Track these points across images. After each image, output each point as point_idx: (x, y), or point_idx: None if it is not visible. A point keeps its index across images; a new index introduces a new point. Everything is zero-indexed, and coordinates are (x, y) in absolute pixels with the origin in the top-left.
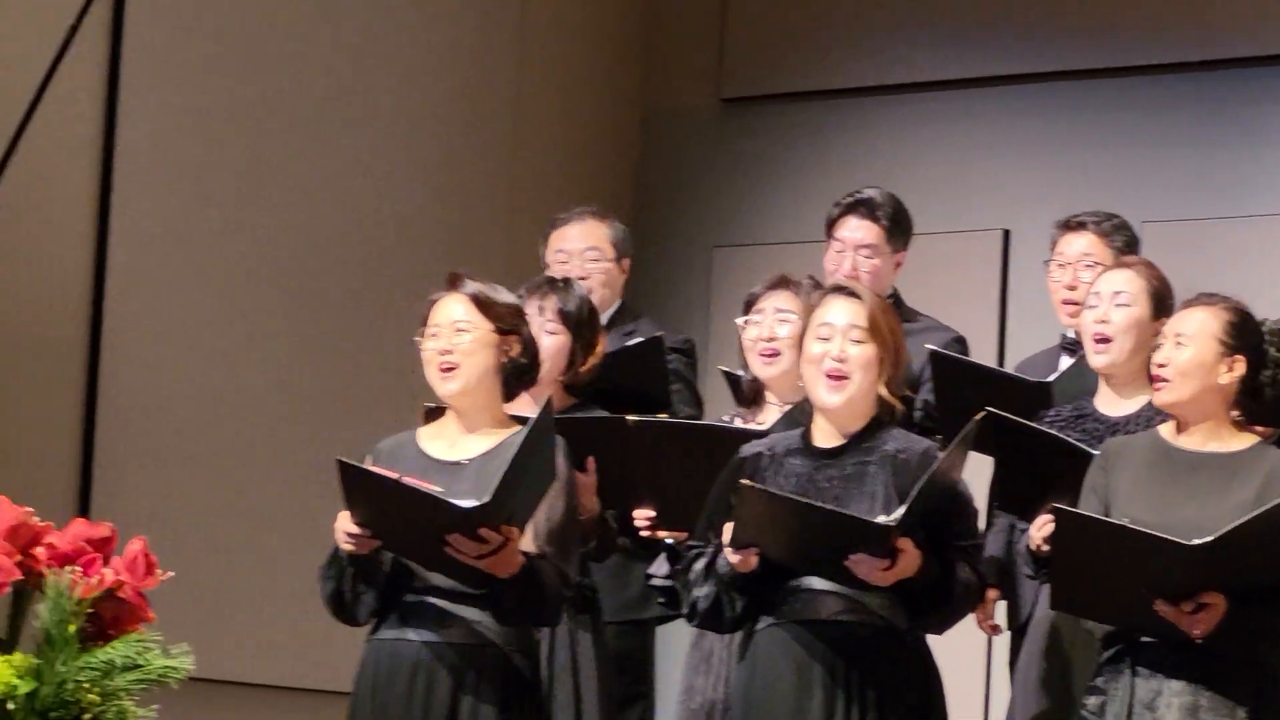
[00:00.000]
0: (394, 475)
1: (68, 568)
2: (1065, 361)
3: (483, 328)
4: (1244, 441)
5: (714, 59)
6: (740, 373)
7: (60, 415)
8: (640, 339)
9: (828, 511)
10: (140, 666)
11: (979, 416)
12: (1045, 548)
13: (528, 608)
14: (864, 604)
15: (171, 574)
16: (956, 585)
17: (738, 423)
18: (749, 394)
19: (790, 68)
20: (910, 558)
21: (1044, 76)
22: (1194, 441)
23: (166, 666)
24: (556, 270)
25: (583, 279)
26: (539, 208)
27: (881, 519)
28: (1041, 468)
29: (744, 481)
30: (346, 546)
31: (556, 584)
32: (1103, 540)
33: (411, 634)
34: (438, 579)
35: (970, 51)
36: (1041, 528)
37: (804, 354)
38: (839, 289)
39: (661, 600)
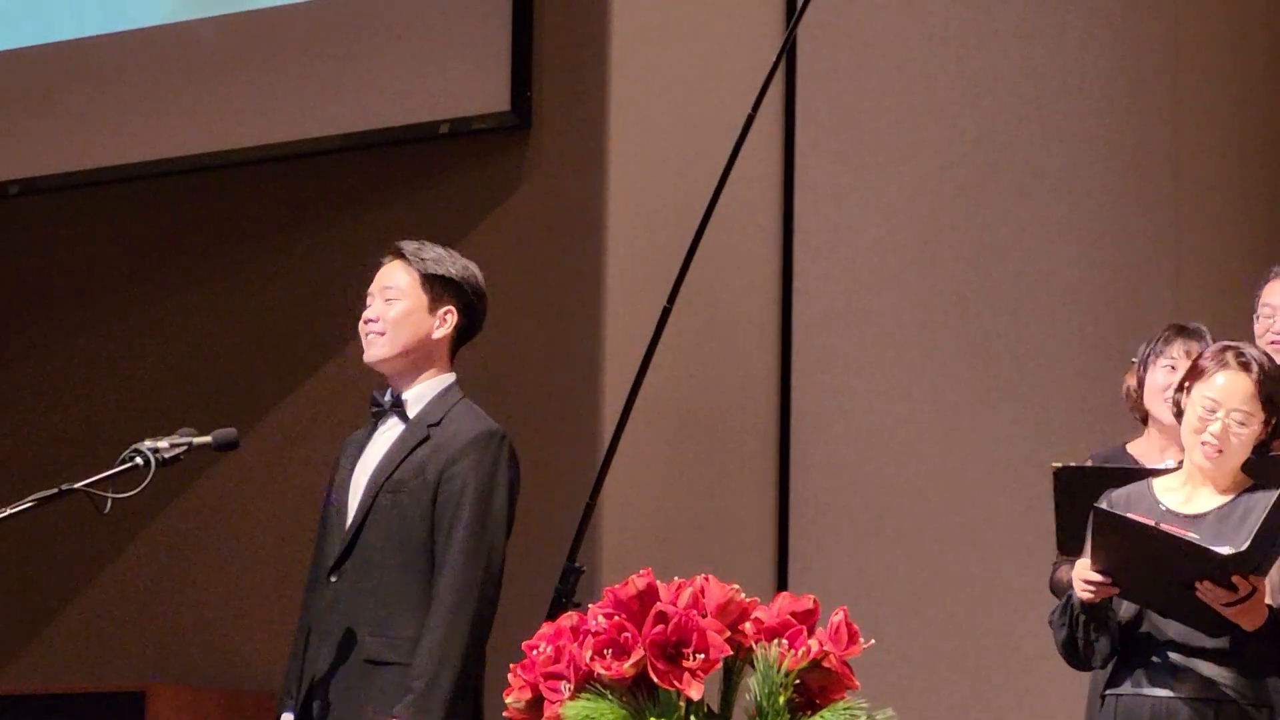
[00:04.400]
0: (1150, 522)
1: (775, 641)
2: None
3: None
4: None
5: None
6: None
7: (756, 494)
8: None
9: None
10: None
11: None
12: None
13: (1272, 659)
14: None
15: (873, 641)
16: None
17: None
18: None
19: None
20: (1258, 601)
21: None
22: None
23: None
24: (1259, 323)
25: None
26: (1205, 259)
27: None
28: None
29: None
30: (1084, 594)
31: None
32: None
33: (1148, 689)
34: (1172, 632)
35: None
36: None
37: None
38: None
39: None
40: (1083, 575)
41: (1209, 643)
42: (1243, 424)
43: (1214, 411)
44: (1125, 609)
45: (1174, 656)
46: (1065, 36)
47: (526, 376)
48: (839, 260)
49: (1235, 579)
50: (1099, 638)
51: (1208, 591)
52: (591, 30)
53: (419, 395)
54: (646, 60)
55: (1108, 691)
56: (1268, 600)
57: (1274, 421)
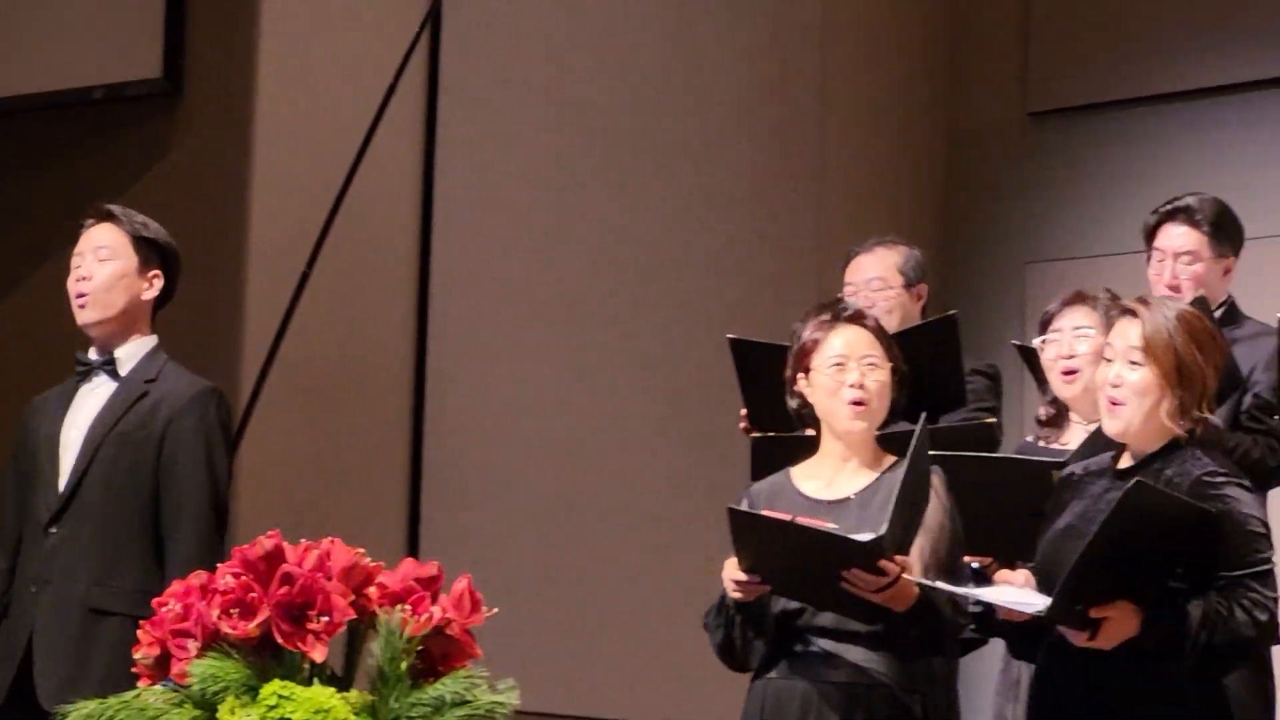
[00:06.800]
0: (786, 518)
1: (398, 606)
2: None
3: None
4: None
5: (1019, 74)
6: (1033, 345)
7: (388, 459)
8: (931, 318)
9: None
10: (469, 702)
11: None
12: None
13: (927, 639)
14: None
15: (496, 610)
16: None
17: (1041, 445)
18: (1053, 414)
19: (1096, 78)
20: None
21: None
22: None
23: (494, 702)
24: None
25: (869, 308)
26: (848, 234)
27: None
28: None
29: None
30: (735, 595)
31: (950, 612)
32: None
33: (798, 675)
34: (823, 620)
35: None
36: None
37: (1096, 377)
38: (1125, 309)
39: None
40: (731, 575)
41: (861, 629)
42: (875, 366)
43: (844, 365)
44: (781, 603)
45: (825, 643)
46: (715, 8)
47: (167, 336)
48: (479, 227)
49: (882, 564)
50: (756, 637)
51: (857, 579)
52: None
53: (130, 354)
54: (296, 29)
55: (758, 678)
56: (915, 579)
57: (898, 373)
